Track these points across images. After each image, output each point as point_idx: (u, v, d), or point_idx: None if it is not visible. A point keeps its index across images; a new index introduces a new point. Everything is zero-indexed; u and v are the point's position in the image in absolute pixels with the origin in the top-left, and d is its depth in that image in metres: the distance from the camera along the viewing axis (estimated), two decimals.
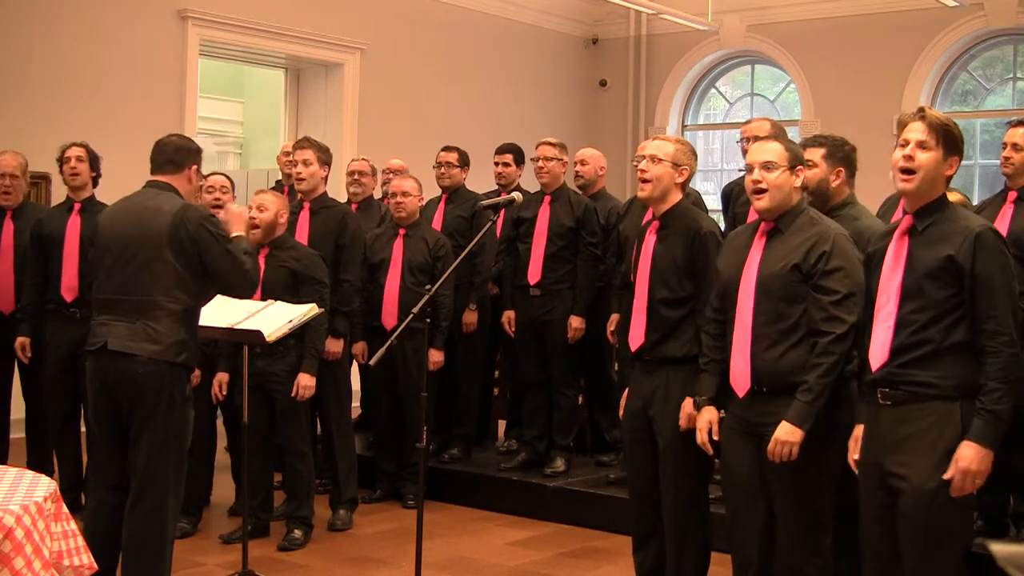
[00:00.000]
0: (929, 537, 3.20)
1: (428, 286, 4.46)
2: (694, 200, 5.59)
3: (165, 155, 4.21)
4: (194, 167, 4.23)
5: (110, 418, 4.12)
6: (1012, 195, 4.83)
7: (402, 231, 6.10)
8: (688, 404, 4.04)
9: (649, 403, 4.21)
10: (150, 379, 3.99)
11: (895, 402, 3.25)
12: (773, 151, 3.71)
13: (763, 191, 3.69)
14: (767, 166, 3.69)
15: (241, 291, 4.26)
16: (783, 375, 3.61)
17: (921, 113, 3.28)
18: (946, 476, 3.15)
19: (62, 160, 5.76)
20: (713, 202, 8.75)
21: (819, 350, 3.53)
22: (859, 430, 3.42)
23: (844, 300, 3.54)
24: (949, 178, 3.31)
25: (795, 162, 3.71)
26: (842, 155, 4.08)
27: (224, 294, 4.37)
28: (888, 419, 3.28)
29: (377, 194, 7.03)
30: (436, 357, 6.00)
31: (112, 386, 4.06)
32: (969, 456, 3.13)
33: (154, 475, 4.04)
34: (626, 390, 4.39)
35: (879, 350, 3.27)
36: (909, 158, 3.25)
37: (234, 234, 4.26)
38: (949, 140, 3.25)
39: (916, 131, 3.26)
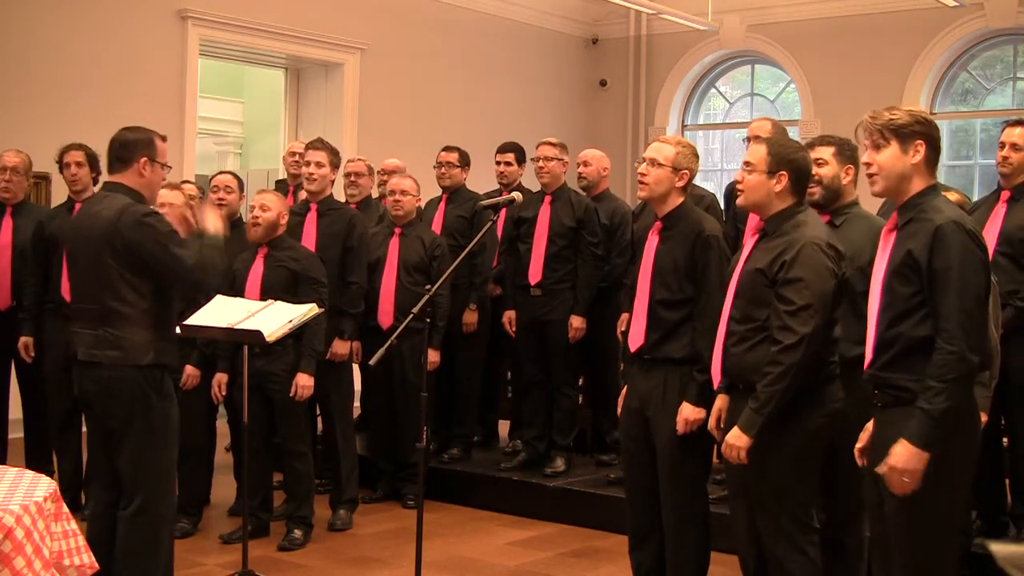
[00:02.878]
0: (904, 542, 3.18)
1: (428, 286, 4.46)
2: (709, 204, 5.60)
3: (113, 153, 4.13)
4: (143, 160, 4.07)
5: (97, 421, 4.12)
6: (1005, 195, 4.83)
7: (398, 230, 6.09)
8: (685, 408, 4.07)
9: (647, 403, 4.22)
10: (119, 385, 3.97)
11: (883, 404, 3.26)
12: (754, 153, 3.75)
13: (741, 190, 3.78)
14: (745, 166, 3.76)
15: (188, 288, 4.11)
16: (746, 372, 3.65)
17: (862, 122, 3.26)
18: (877, 470, 3.13)
19: (61, 164, 5.78)
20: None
21: (769, 358, 3.55)
22: (870, 423, 3.40)
23: (799, 311, 3.53)
24: (925, 164, 3.19)
25: (776, 166, 3.69)
26: (849, 153, 4.07)
27: (177, 292, 4.23)
28: (878, 420, 3.29)
29: (375, 194, 7.03)
30: (433, 357, 5.99)
31: (88, 394, 4.07)
32: (898, 454, 3.09)
33: (141, 477, 4.03)
34: (623, 389, 4.40)
35: (868, 347, 3.28)
36: (867, 164, 3.26)
37: (208, 227, 4.19)
38: (899, 130, 3.19)
39: (865, 138, 3.26)
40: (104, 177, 5.75)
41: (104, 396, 4.01)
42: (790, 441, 3.58)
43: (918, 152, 3.19)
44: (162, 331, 4.06)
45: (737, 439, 3.57)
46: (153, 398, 4.02)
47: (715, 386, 3.81)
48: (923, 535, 3.18)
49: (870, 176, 3.26)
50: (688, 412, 4.07)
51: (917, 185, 3.21)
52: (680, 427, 4.08)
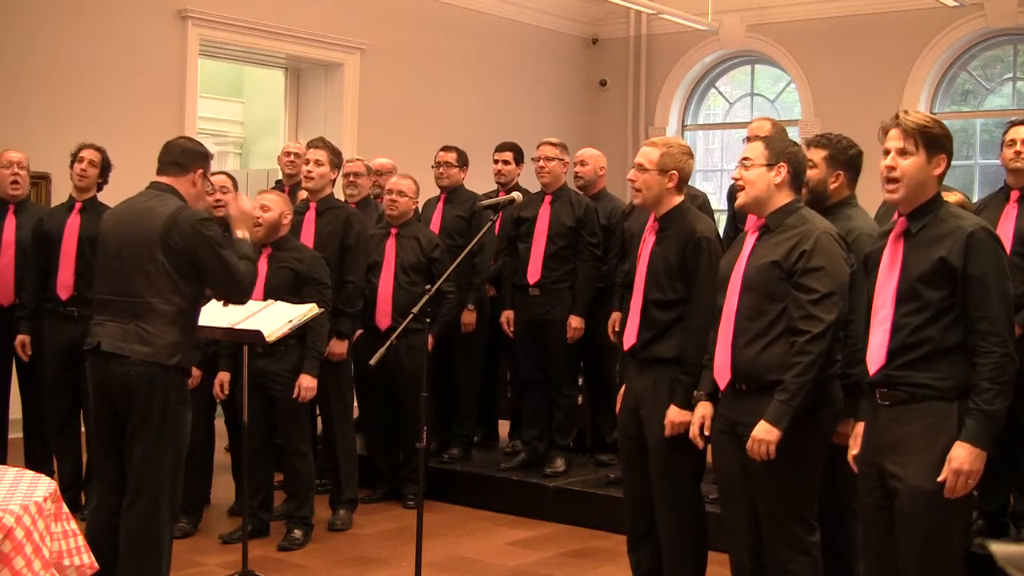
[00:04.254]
0: (926, 538, 3.19)
1: (428, 286, 4.47)
2: (701, 203, 5.60)
3: (171, 156, 4.18)
4: (199, 171, 4.17)
5: (108, 418, 4.11)
6: (1015, 194, 4.80)
7: (394, 231, 6.08)
8: (672, 411, 4.06)
9: (641, 403, 4.22)
10: (142, 381, 3.96)
11: (893, 402, 3.26)
12: (752, 149, 3.77)
13: (742, 187, 3.77)
14: (743, 163, 3.76)
15: (233, 296, 4.15)
16: (760, 372, 3.62)
17: (896, 120, 3.26)
18: (939, 478, 3.14)
19: (75, 158, 5.77)
20: (717, 202, 8.76)
21: (796, 349, 3.54)
22: (859, 427, 3.42)
23: (823, 299, 3.53)
24: (940, 177, 3.28)
25: (775, 159, 3.71)
26: (844, 158, 3.99)
27: (217, 299, 4.28)
28: (886, 419, 3.28)
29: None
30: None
31: (107, 386, 4.05)
32: (961, 457, 3.12)
33: (148, 476, 4.02)
34: (622, 389, 4.40)
35: (876, 354, 3.27)
36: (891, 168, 3.25)
37: (238, 234, 4.25)
38: (930, 141, 3.23)
39: (894, 139, 3.26)
40: (110, 180, 5.84)
41: (124, 389, 4.00)
42: (799, 439, 3.57)
43: (939, 166, 3.25)
44: (188, 334, 4.08)
45: (767, 433, 3.52)
46: (172, 399, 4.02)
47: (721, 387, 3.76)
48: (943, 535, 3.20)
49: (892, 180, 3.25)
50: (674, 415, 4.05)
51: (929, 194, 3.27)
52: (667, 430, 4.07)
